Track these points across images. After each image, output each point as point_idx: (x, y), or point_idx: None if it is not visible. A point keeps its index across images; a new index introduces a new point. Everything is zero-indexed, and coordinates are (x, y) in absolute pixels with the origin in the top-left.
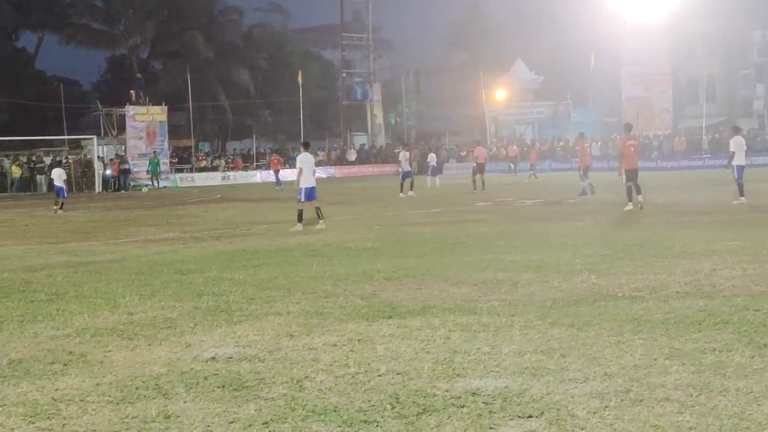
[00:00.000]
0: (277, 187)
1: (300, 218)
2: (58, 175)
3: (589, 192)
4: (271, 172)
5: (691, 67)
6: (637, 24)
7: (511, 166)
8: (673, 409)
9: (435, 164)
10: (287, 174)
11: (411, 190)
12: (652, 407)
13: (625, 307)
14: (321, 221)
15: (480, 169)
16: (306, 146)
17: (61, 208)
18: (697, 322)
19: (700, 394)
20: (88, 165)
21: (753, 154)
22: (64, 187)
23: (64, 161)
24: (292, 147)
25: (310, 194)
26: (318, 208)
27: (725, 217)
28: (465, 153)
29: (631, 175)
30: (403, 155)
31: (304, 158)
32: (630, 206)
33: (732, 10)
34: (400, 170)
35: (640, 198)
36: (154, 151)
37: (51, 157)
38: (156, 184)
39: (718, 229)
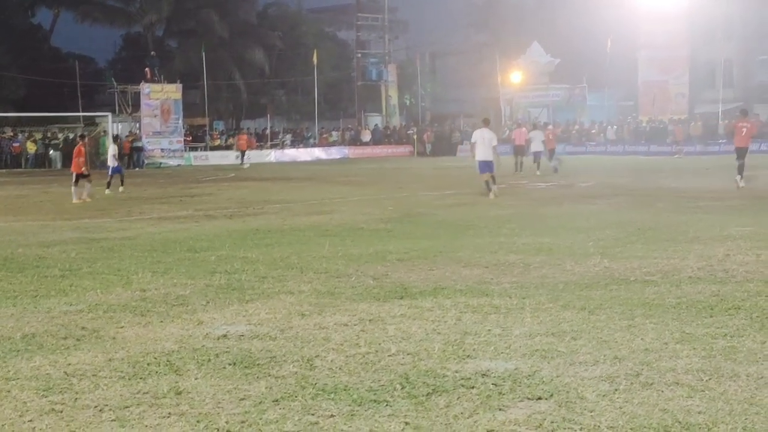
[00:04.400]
0: (244, 166)
1: (488, 187)
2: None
3: (557, 169)
4: (239, 152)
5: (708, 51)
6: (654, 6)
7: (680, 149)
8: (683, 394)
9: None
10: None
11: (538, 169)
12: (662, 391)
13: (637, 290)
14: (491, 192)
15: (518, 150)
16: (486, 122)
17: (122, 183)
18: (709, 307)
19: (710, 379)
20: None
21: None
22: (116, 164)
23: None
24: (307, 126)
25: (484, 167)
26: (487, 182)
27: (739, 202)
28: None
29: (739, 152)
30: (535, 134)
31: (479, 134)
32: (741, 182)
33: None
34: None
35: (738, 178)
36: (104, 131)
37: (65, 134)
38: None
39: (733, 214)
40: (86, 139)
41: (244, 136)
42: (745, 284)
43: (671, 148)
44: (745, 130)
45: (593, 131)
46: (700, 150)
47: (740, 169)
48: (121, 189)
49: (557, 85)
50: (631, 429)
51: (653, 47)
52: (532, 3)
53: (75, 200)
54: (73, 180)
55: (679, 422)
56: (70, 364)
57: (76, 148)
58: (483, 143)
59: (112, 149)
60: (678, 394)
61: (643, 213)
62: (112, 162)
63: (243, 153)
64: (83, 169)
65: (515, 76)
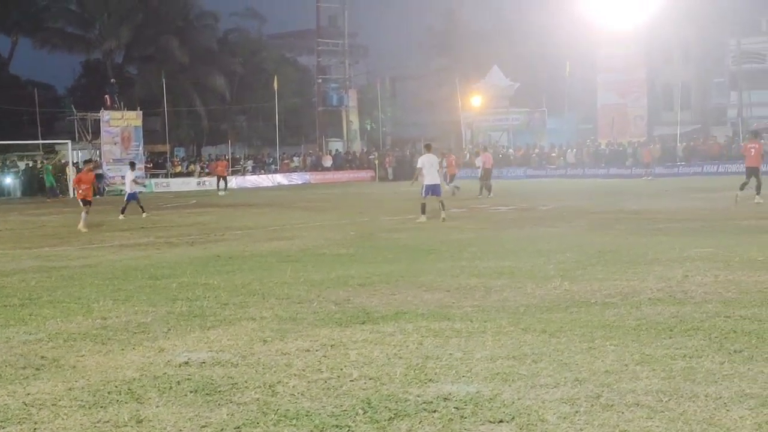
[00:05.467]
0: (222, 192)
1: (423, 211)
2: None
3: (455, 192)
4: (215, 177)
5: (665, 74)
6: (612, 30)
7: (649, 171)
8: (643, 415)
9: None
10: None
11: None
12: (622, 412)
13: (597, 313)
14: (443, 213)
15: (486, 174)
16: (428, 148)
17: (143, 211)
18: (668, 328)
19: (669, 400)
20: (62, 170)
21: (727, 161)
22: (131, 191)
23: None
24: (268, 152)
25: (433, 190)
26: (441, 202)
27: (698, 224)
28: (441, 159)
29: (750, 171)
30: (479, 160)
31: (426, 159)
32: (759, 199)
33: (708, 17)
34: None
35: (757, 197)
36: (45, 160)
37: (25, 163)
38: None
39: (691, 236)
40: (86, 166)
41: (223, 163)
42: (703, 305)
43: (630, 171)
44: (753, 150)
45: (553, 155)
46: (659, 172)
47: (747, 187)
48: (144, 215)
49: (517, 108)
50: None
51: (612, 70)
52: (491, 27)
53: (82, 228)
54: (82, 206)
55: None
56: (29, 394)
57: (76, 176)
58: (431, 168)
59: (129, 175)
60: (638, 415)
61: (603, 235)
62: (129, 188)
63: (221, 179)
64: (87, 195)
65: (475, 100)
